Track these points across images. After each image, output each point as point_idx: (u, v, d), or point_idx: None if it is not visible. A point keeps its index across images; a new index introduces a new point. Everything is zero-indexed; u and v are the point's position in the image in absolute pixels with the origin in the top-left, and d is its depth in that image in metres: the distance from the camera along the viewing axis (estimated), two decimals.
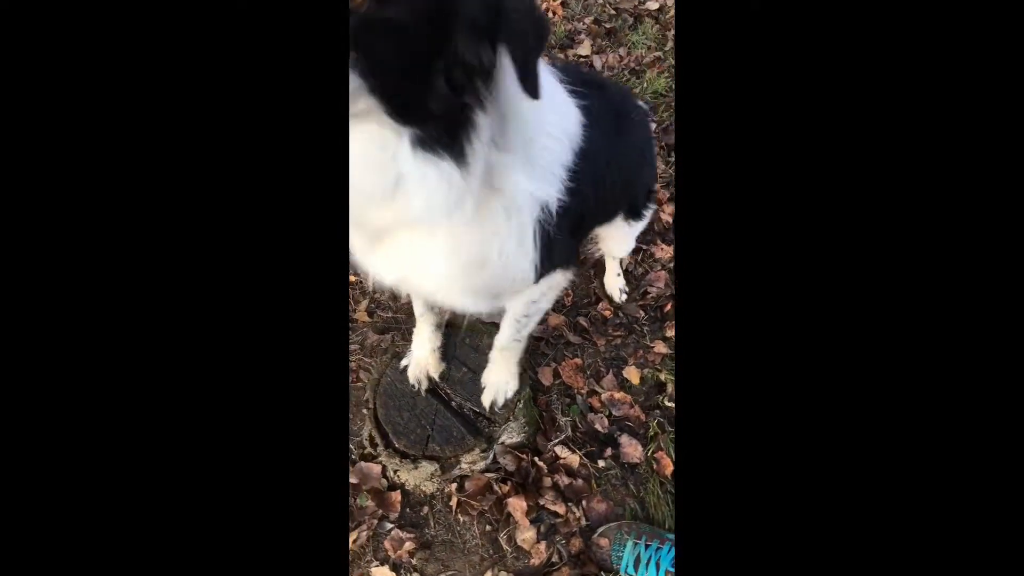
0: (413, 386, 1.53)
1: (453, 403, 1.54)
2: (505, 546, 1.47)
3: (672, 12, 2.75)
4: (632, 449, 1.61)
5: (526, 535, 1.47)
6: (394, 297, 1.89)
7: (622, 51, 2.62)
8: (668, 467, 1.58)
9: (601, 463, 1.59)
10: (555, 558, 1.47)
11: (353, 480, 1.53)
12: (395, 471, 1.51)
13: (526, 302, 1.26)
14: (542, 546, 1.46)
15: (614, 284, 1.90)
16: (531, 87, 0.70)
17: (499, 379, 1.53)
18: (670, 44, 2.63)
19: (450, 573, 1.45)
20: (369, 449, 1.55)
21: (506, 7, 0.67)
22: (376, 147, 0.72)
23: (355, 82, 0.63)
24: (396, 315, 1.87)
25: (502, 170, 0.83)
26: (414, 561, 1.46)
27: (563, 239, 1.01)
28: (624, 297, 1.91)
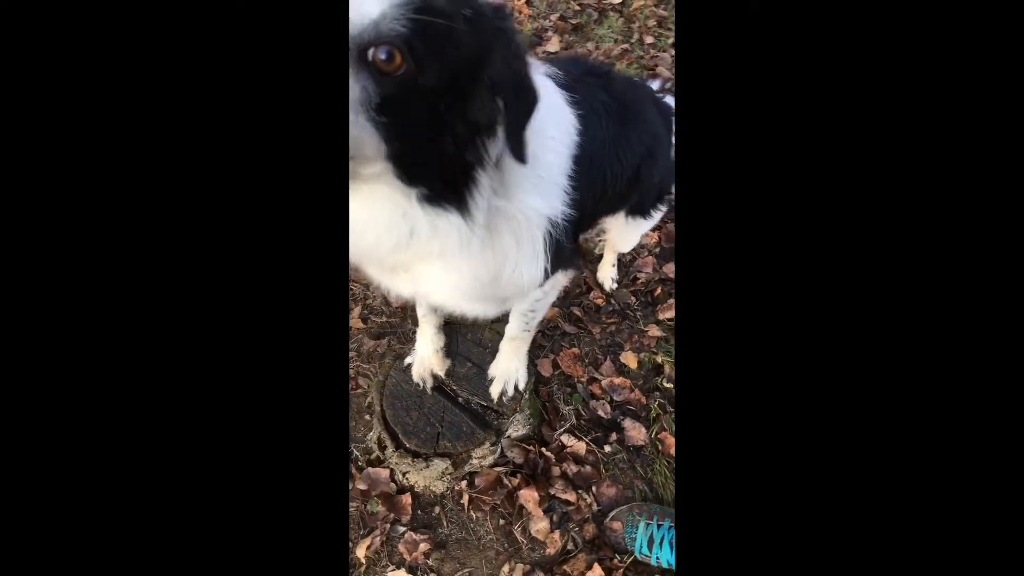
0: (418, 385, 1.53)
1: (460, 399, 1.54)
2: (520, 538, 1.48)
3: (635, 4, 2.80)
4: (636, 432, 1.63)
5: (540, 525, 1.48)
6: (386, 302, 1.88)
7: (590, 45, 2.66)
8: (672, 447, 1.60)
9: (607, 448, 1.61)
10: (570, 545, 1.48)
11: (362, 486, 1.52)
12: (404, 473, 1.51)
13: (531, 300, 1.28)
14: (556, 535, 1.47)
15: (606, 273, 1.92)
16: (519, 152, 0.74)
17: (507, 368, 1.53)
18: (636, 36, 2.67)
19: (467, 570, 1.45)
20: (377, 453, 1.54)
21: (503, 76, 0.69)
22: (387, 207, 0.75)
23: (379, 146, 0.64)
24: (390, 320, 1.86)
25: (511, 193, 0.86)
26: (430, 562, 1.45)
27: (567, 240, 1.03)
28: (615, 285, 1.93)
